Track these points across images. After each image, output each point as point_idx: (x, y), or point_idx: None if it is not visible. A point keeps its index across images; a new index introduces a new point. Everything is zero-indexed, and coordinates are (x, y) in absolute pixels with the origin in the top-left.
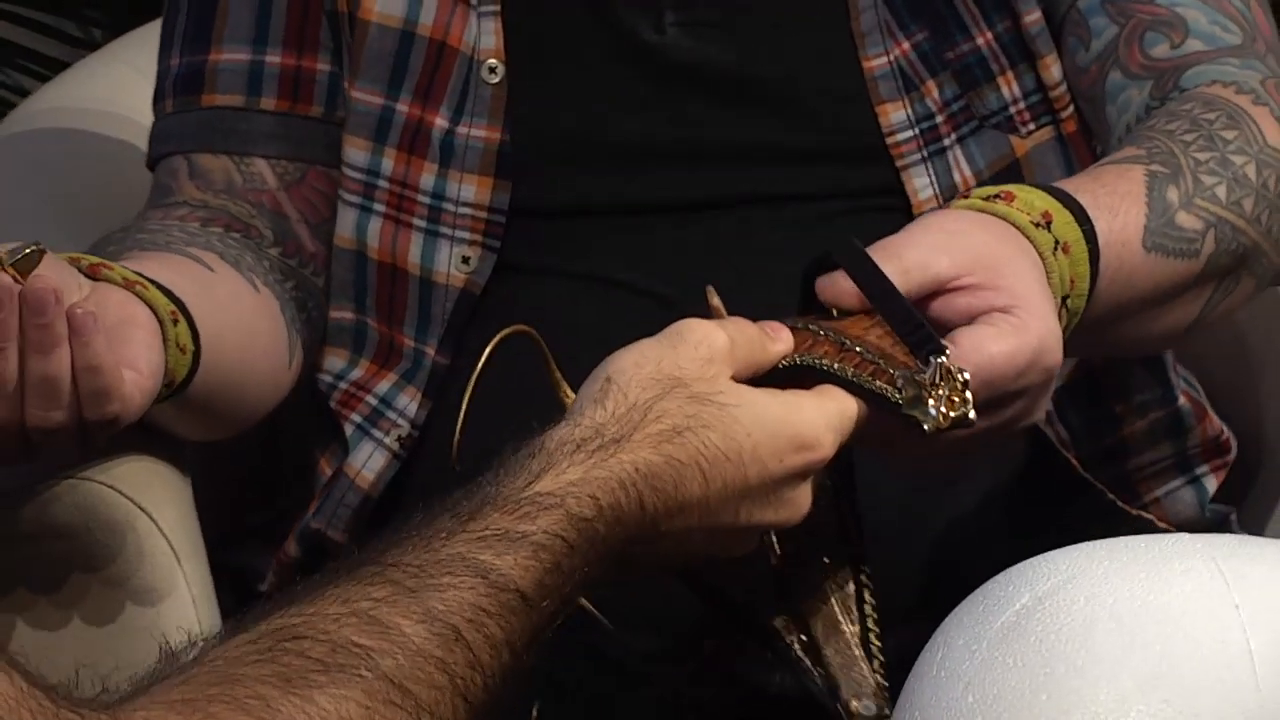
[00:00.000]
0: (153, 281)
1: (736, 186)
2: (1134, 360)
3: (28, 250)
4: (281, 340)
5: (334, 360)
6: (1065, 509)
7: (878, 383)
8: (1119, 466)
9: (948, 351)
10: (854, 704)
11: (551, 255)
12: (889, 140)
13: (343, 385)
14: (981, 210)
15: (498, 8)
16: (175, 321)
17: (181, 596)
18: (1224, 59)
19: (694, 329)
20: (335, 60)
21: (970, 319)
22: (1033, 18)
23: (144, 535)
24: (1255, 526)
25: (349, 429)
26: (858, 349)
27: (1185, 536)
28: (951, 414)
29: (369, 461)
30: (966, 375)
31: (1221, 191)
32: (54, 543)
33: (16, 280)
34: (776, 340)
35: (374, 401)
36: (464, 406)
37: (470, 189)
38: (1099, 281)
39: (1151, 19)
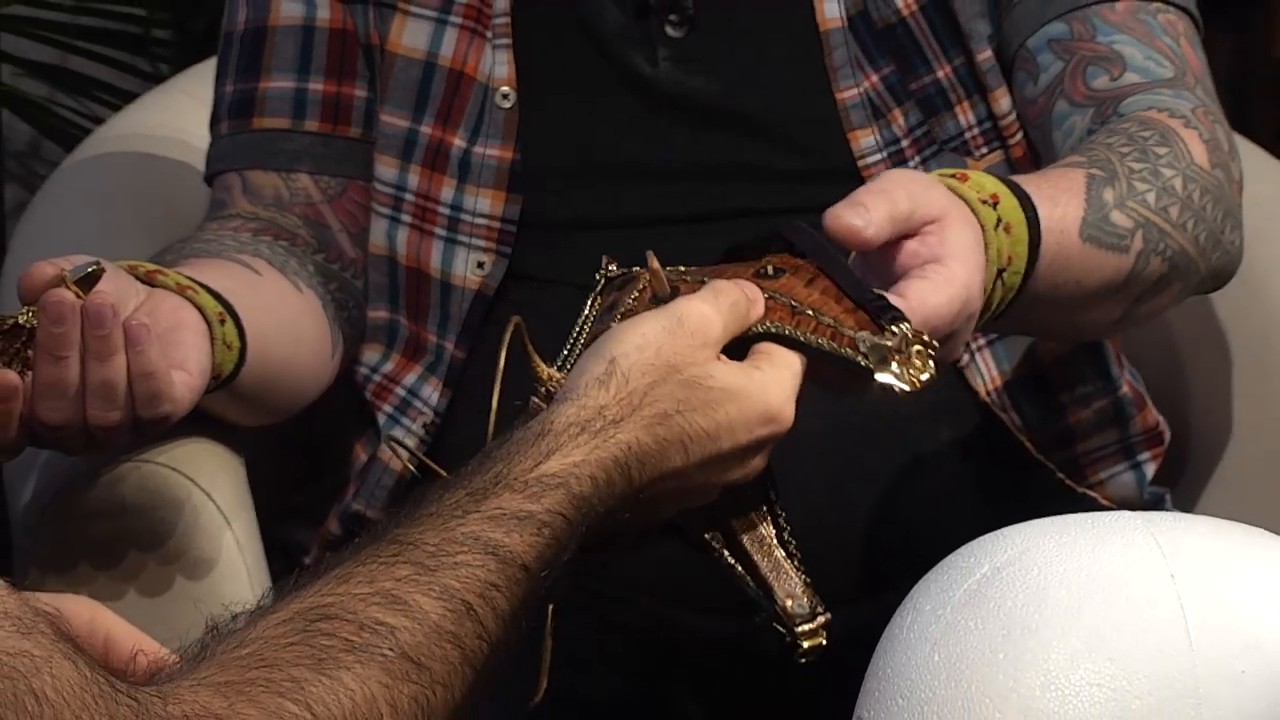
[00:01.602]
0: (203, 285)
1: (721, 202)
2: (1081, 355)
3: (89, 270)
4: (324, 336)
5: (371, 354)
6: (1020, 488)
7: (844, 350)
8: (1068, 451)
9: (904, 317)
10: (789, 603)
11: (556, 260)
12: (860, 163)
13: (376, 378)
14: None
15: (510, 42)
16: (223, 321)
17: (235, 568)
18: (1158, 89)
19: (693, 316)
20: (371, 87)
21: (904, 267)
22: (984, 55)
23: (201, 512)
24: (1187, 505)
25: (382, 419)
26: (809, 312)
27: (1126, 514)
28: (922, 376)
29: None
30: (929, 339)
31: (1151, 197)
32: (120, 520)
33: (78, 296)
34: (755, 306)
35: (402, 393)
36: (494, 403)
37: (485, 202)
38: (1039, 263)
39: (1093, 55)
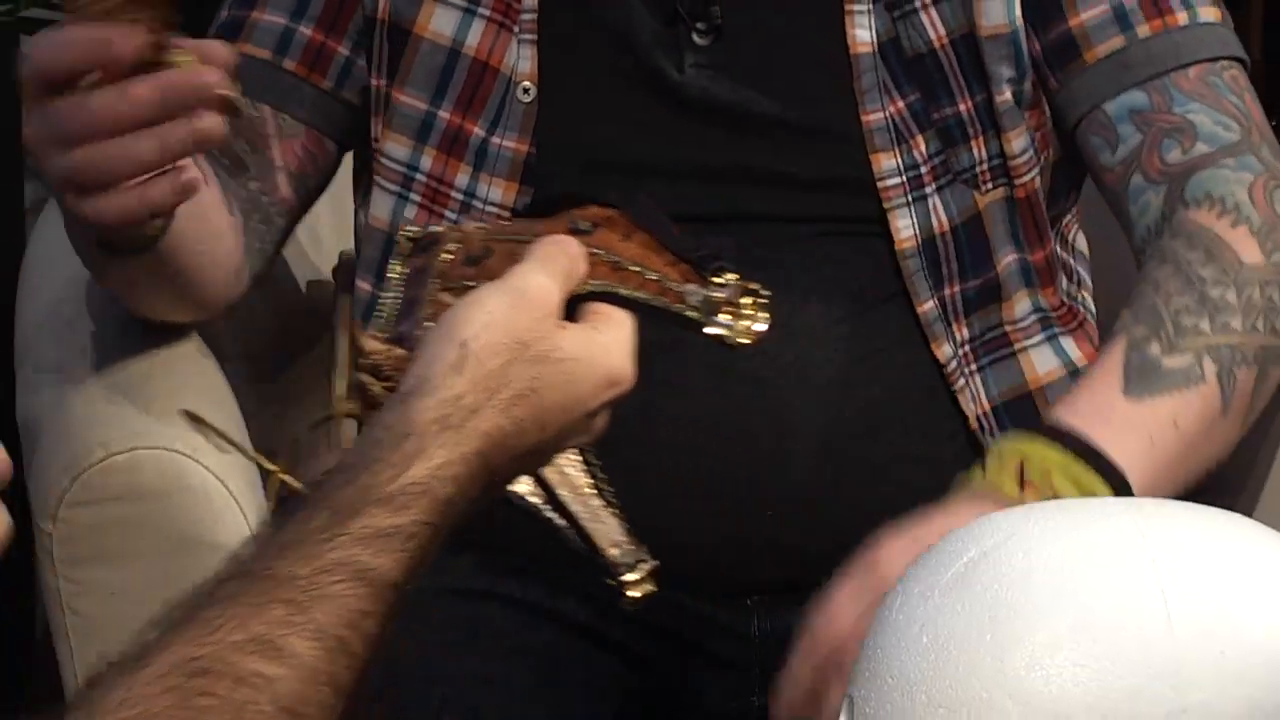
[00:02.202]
0: None
1: (733, 205)
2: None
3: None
4: (238, 255)
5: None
6: None
7: (674, 305)
8: None
9: (729, 267)
10: (613, 552)
11: None
12: (879, 184)
13: None
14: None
15: (535, 37)
16: None
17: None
18: (1222, 161)
19: (534, 288)
20: (356, 50)
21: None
22: (1003, 98)
23: (215, 497)
24: None
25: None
26: (633, 267)
27: (1110, 500)
28: (755, 326)
29: None
30: (758, 287)
31: (1205, 324)
32: (138, 504)
33: None
34: (581, 264)
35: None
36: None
37: (498, 191)
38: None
39: (1169, 127)
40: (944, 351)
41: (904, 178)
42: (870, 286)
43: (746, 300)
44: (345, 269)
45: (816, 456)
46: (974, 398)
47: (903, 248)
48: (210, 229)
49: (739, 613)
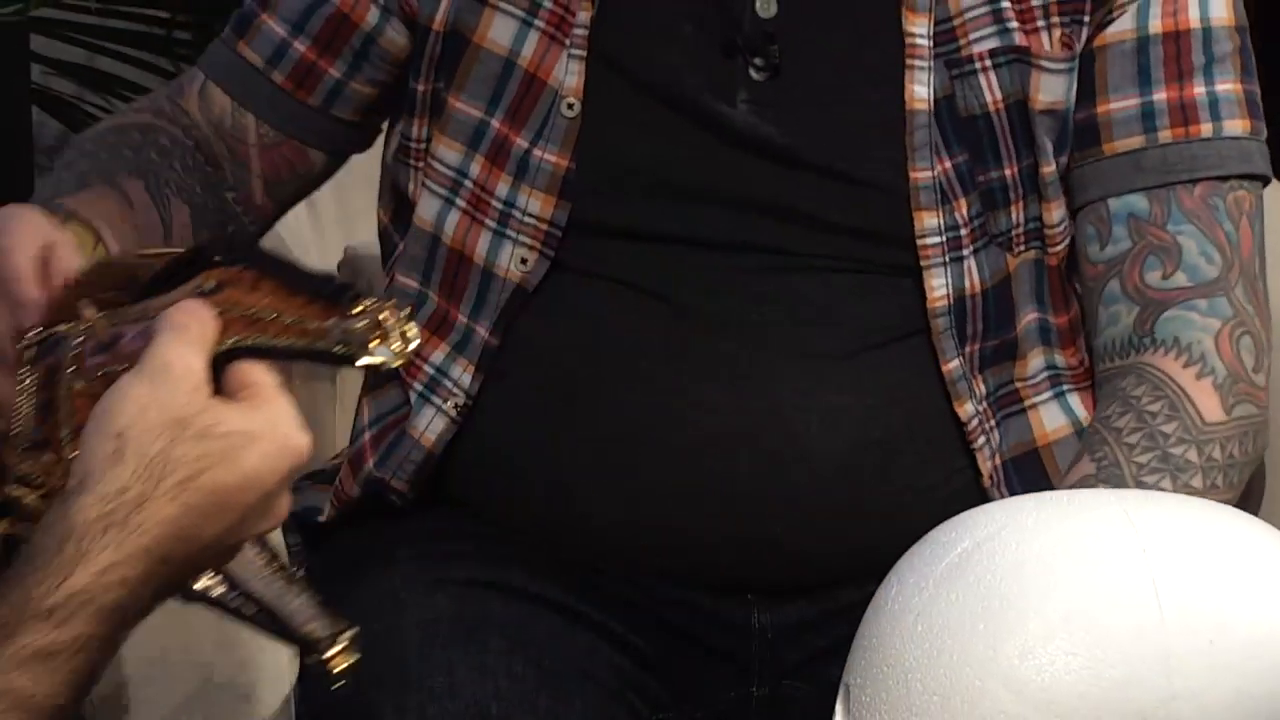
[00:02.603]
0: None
1: (769, 239)
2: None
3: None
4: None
5: None
6: None
7: (319, 344)
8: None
9: (363, 294)
10: (309, 628)
11: (597, 266)
12: (919, 241)
13: None
14: None
15: (585, 54)
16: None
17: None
18: (1195, 300)
19: (175, 361)
20: (351, 73)
21: None
22: (1048, 169)
23: None
24: None
25: (413, 396)
26: (269, 316)
27: (1101, 491)
28: (409, 348)
29: (430, 425)
30: (395, 304)
31: (1166, 483)
32: None
33: None
34: (212, 326)
35: (431, 370)
36: None
37: (536, 204)
38: None
39: (1157, 244)
40: (966, 410)
41: (944, 238)
42: (894, 329)
43: (388, 319)
44: (349, 263)
45: (827, 477)
46: (991, 455)
47: (934, 306)
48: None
49: (740, 607)
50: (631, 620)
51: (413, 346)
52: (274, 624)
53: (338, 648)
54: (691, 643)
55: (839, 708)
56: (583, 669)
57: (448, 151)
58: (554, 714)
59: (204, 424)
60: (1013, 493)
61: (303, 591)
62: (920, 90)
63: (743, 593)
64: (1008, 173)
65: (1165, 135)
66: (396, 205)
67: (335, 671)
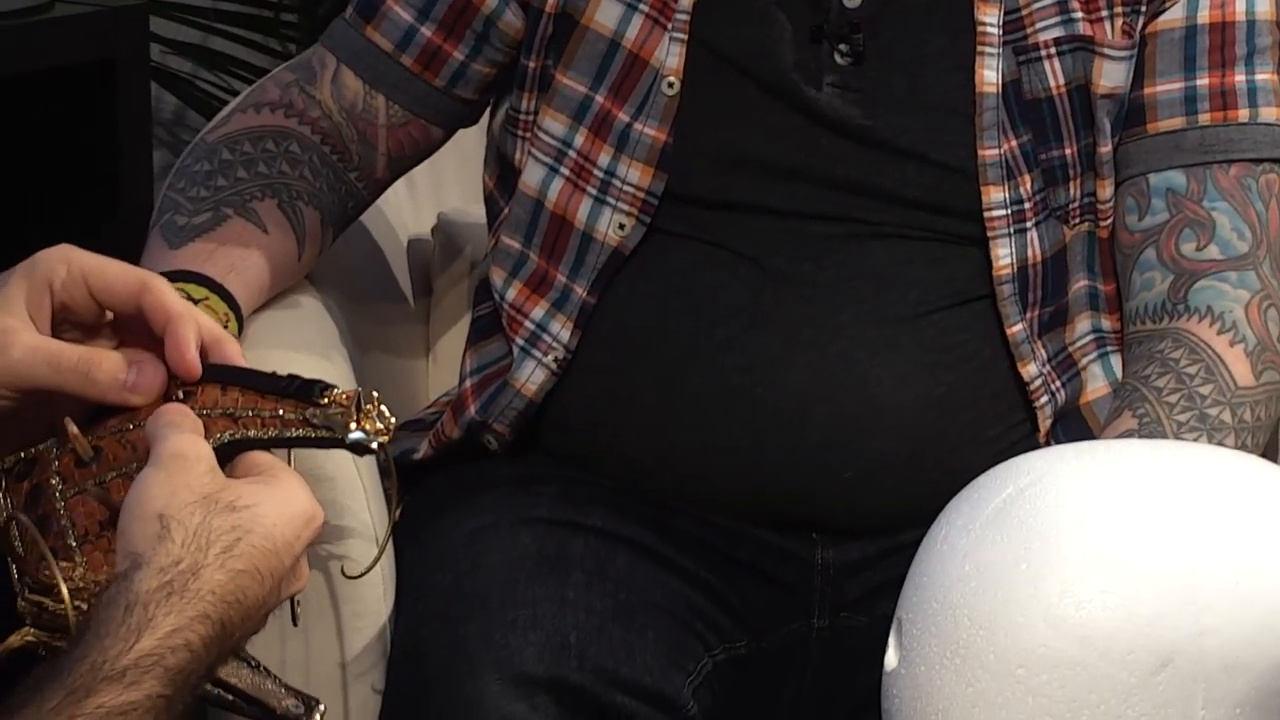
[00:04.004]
0: (211, 286)
1: (848, 211)
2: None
3: None
4: (309, 258)
5: (497, 277)
6: None
7: (305, 433)
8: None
9: (333, 385)
10: (287, 704)
11: (689, 232)
12: (986, 213)
13: (506, 306)
14: None
15: (686, 37)
16: (226, 324)
17: (353, 482)
18: (1226, 272)
19: (187, 448)
20: (473, 54)
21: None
22: (1105, 149)
23: None
24: None
25: (515, 349)
26: (249, 413)
27: (1135, 441)
28: (389, 423)
29: (531, 376)
30: (359, 390)
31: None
32: None
33: None
34: (199, 425)
35: (531, 326)
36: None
37: (635, 174)
38: None
39: (1193, 217)
40: (1030, 370)
41: (1009, 211)
42: (961, 294)
43: (363, 405)
44: (441, 230)
45: (894, 429)
46: (1052, 413)
47: (1000, 273)
48: (267, 290)
49: (805, 545)
50: (702, 557)
51: (391, 423)
52: (255, 708)
53: (315, 718)
54: (758, 578)
55: (892, 640)
56: (656, 602)
57: (554, 123)
58: (628, 644)
59: (229, 499)
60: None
61: (268, 676)
62: (990, 75)
63: (808, 532)
64: (1068, 152)
65: (1205, 118)
66: (502, 172)
67: None
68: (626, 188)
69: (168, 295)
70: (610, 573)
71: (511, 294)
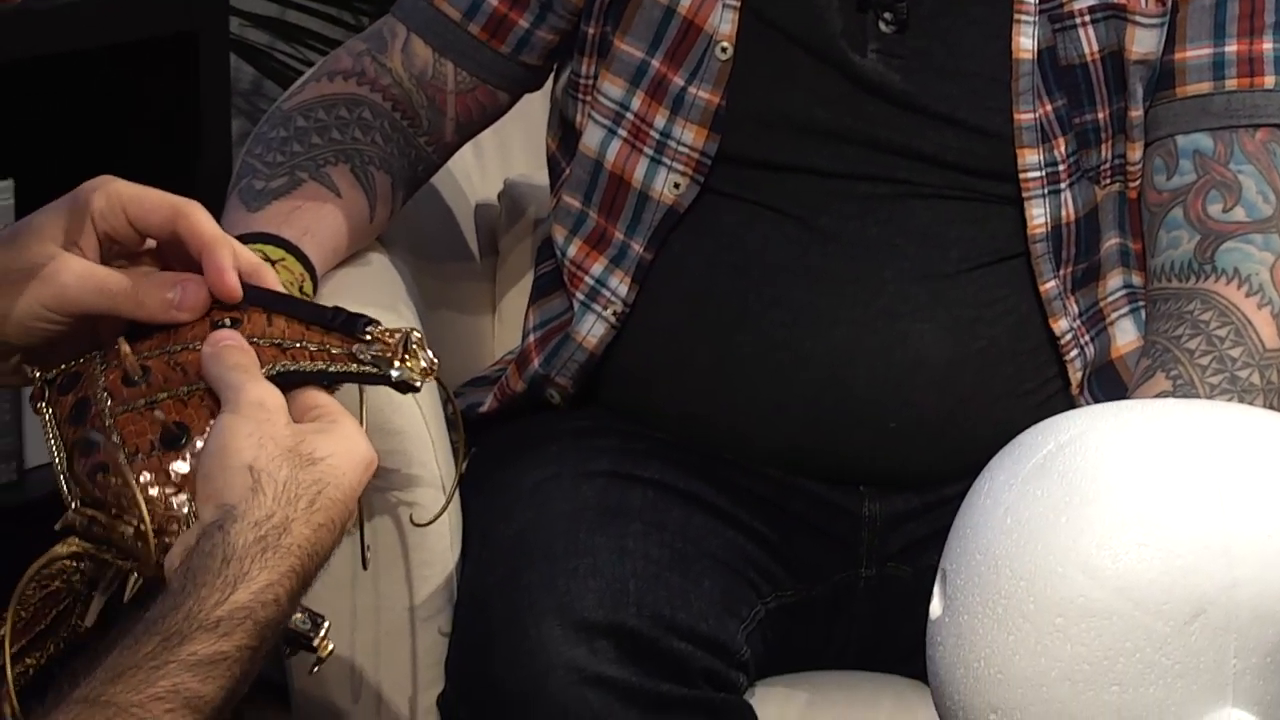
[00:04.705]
0: (288, 248)
1: (890, 172)
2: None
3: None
4: (380, 221)
5: (558, 235)
6: None
7: (351, 367)
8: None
9: (378, 321)
10: (296, 618)
11: (741, 191)
12: (1021, 175)
13: (567, 263)
14: None
15: (739, 4)
16: (302, 284)
17: (422, 436)
18: (1251, 235)
19: (266, 396)
20: (537, 23)
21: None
22: (1136, 113)
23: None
24: None
25: (575, 304)
26: (298, 345)
27: (1171, 401)
28: (431, 363)
29: (592, 329)
30: (407, 328)
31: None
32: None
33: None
34: (253, 355)
35: (591, 281)
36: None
37: (690, 135)
38: None
39: (1219, 180)
40: (1060, 325)
41: (1043, 172)
42: (998, 252)
43: (405, 343)
44: (508, 193)
45: (939, 383)
46: (1083, 366)
47: (1034, 232)
48: (341, 250)
49: (853, 497)
50: (755, 509)
51: (435, 363)
52: None
53: (321, 632)
54: (808, 529)
55: (936, 589)
56: (710, 551)
57: (612, 87)
58: (684, 591)
59: (308, 451)
60: (1095, 400)
61: None
62: (1026, 42)
63: (856, 485)
64: (1100, 116)
65: (1232, 84)
66: (564, 134)
67: (321, 657)
68: (681, 148)
69: (203, 221)
70: (667, 523)
71: (572, 251)
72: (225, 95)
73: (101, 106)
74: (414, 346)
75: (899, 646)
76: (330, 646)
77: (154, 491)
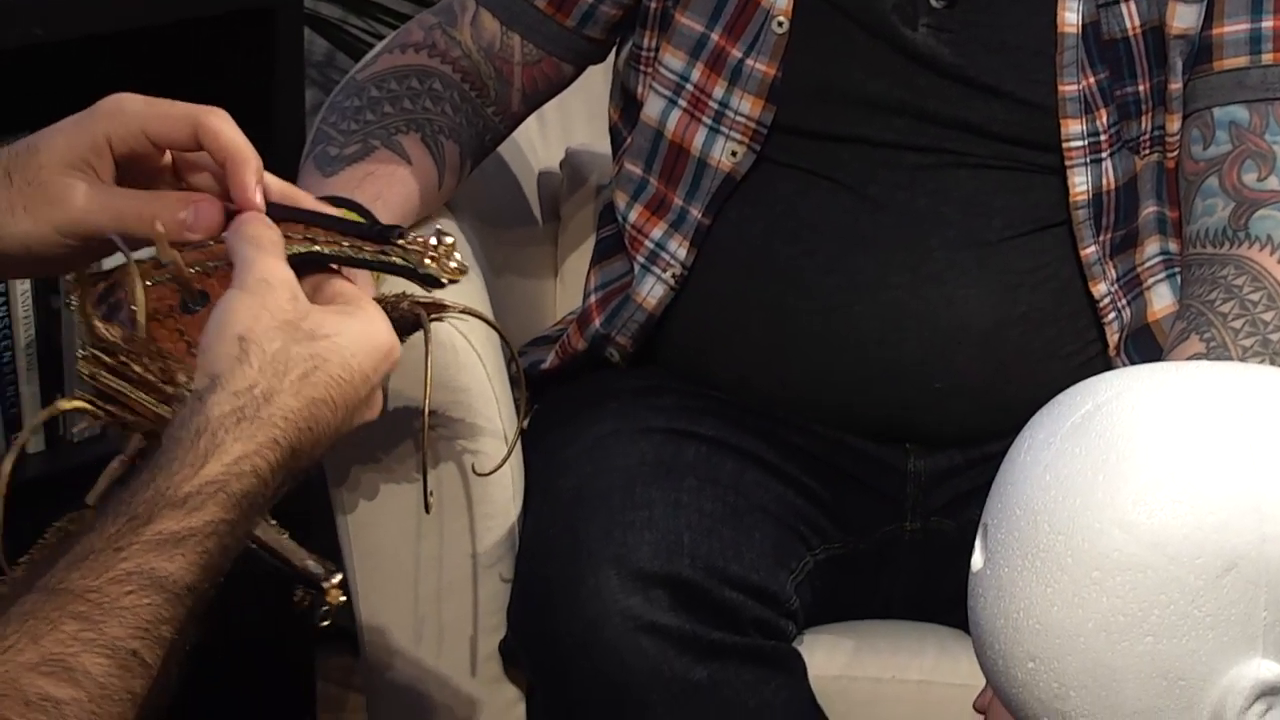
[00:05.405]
0: (361, 211)
1: (937, 142)
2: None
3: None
4: (448, 188)
5: (620, 201)
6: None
7: (381, 257)
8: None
9: (409, 231)
10: (308, 564)
11: (795, 160)
12: (1064, 144)
13: (627, 227)
14: None
15: None
16: None
17: (485, 392)
18: None
19: (272, 272)
20: None
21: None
22: (1175, 86)
23: (462, 351)
24: None
25: (636, 267)
26: (326, 239)
27: (1205, 363)
28: (460, 264)
29: (651, 291)
30: (447, 236)
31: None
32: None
33: None
34: (277, 232)
35: (651, 245)
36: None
37: (746, 105)
38: None
39: (1254, 150)
40: (1099, 289)
41: (1085, 142)
42: (1041, 219)
43: (437, 248)
44: (569, 161)
45: (982, 345)
46: (1120, 329)
47: (1076, 199)
48: (425, 206)
49: (898, 453)
50: (805, 465)
51: (463, 264)
52: (278, 561)
53: (334, 580)
54: (856, 484)
55: (978, 543)
56: (762, 505)
57: (673, 59)
58: (736, 544)
59: (310, 326)
60: (1131, 361)
61: (292, 540)
62: (1070, 17)
63: (902, 442)
64: (1141, 88)
65: (1268, 58)
66: (625, 104)
67: (332, 604)
68: (739, 118)
69: (224, 130)
70: (721, 478)
71: (633, 216)
72: (299, 67)
73: (179, 80)
74: (444, 248)
75: (941, 597)
76: (342, 597)
77: (166, 346)
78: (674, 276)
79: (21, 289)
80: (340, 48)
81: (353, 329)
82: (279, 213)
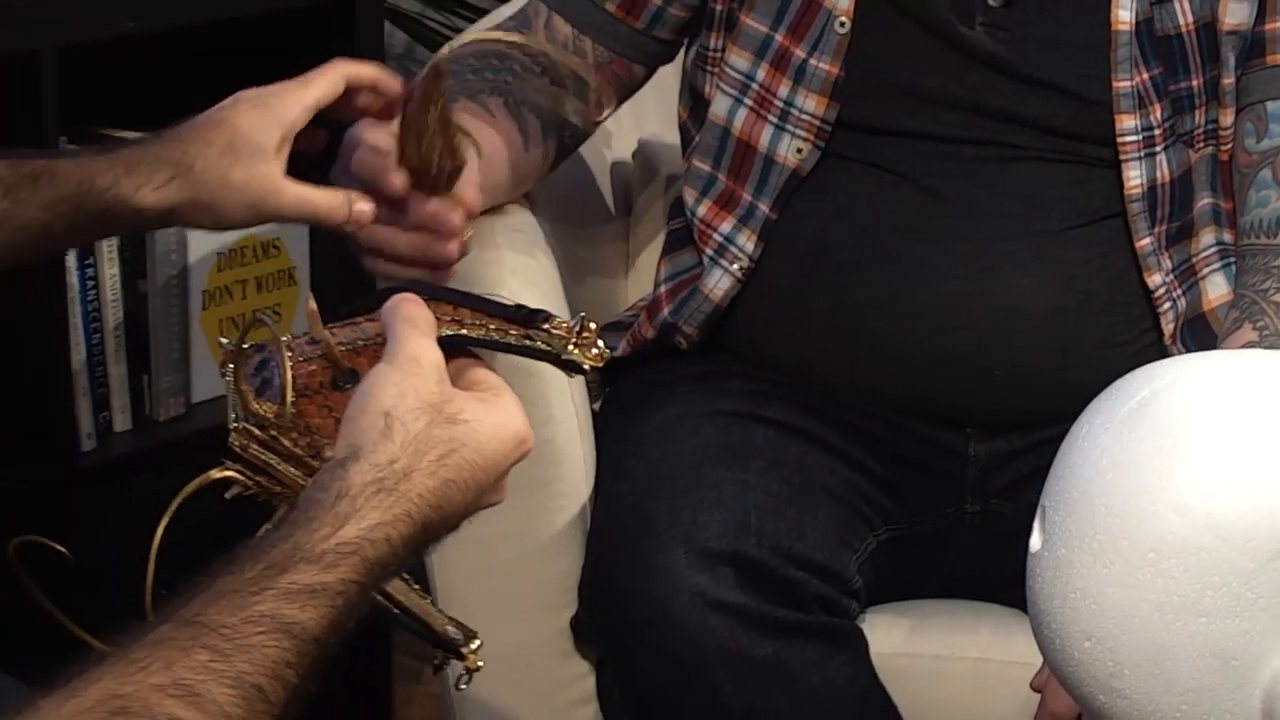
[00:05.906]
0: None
1: (995, 136)
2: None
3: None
4: (539, 169)
5: (689, 197)
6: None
7: (526, 342)
8: None
9: (556, 315)
10: (449, 630)
11: (859, 155)
12: (1119, 139)
13: (696, 221)
14: None
15: None
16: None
17: (559, 376)
18: None
19: (423, 353)
20: (670, 1)
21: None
22: (1228, 81)
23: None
24: None
25: (705, 259)
26: (475, 323)
27: (1258, 351)
28: (602, 351)
29: (719, 283)
30: (590, 323)
31: None
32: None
33: None
34: (430, 316)
35: (720, 239)
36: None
37: (811, 103)
38: None
39: None
40: (1154, 280)
41: (1140, 137)
42: (1097, 211)
43: (581, 334)
44: (641, 153)
45: (1040, 333)
46: (1175, 318)
47: (1130, 192)
48: (513, 183)
49: (960, 438)
50: (868, 448)
51: (605, 351)
52: (420, 627)
53: (474, 645)
54: (917, 467)
55: (1036, 525)
56: (826, 487)
57: (739, 60)
58: (800, 524)
59: (453, 411)
60: (1187, 349)
61: (433, 606)
62: (1124, 14)
63: (962, 427)
64: (1194, 83)
65: None
66: (693, 103)
67: (471, 668)
68: (803, 116)
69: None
70: (786, 460)
71: (702, 211)
72: (379, 60)
73: (261, 73)
74: (588, 335)
75: (1000, 578)
76: (480, 662)
77: (314, 422)
78: (741, 269)
79: (110, 273)
80: (419, 40)
81: (491, 418)
82: (430, 291)
